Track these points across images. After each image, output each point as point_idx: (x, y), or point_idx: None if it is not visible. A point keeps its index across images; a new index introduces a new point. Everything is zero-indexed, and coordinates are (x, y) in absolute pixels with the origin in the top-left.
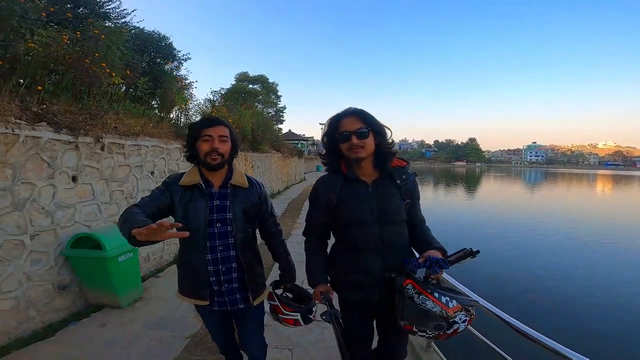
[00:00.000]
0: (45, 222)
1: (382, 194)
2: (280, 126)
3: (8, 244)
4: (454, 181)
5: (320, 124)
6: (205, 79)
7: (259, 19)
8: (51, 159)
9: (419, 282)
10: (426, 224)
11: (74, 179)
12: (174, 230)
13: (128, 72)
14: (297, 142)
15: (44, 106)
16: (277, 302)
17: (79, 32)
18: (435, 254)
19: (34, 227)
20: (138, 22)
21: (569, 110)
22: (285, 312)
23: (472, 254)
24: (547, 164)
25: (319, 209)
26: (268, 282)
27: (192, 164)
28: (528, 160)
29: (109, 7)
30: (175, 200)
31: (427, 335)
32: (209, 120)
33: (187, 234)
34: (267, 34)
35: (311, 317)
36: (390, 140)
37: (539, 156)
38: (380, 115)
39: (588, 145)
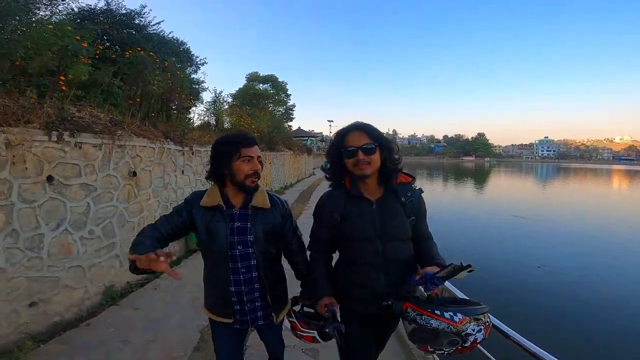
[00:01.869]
0: (173, 196)
1: (386, 212)
2: (290, 123)
3: (164, 208)
4: (462, 176)
5: (329, 120)
6: (210, 78)
7: (264, 16)
8: (175, 160)
9: (416, 303)
10: (432, 239)
11: (182, 172)
12: (167, 262)
13: (191, 97)
14: (306, 138)
15: (146, 125)
16: (293, 319)
17: (169, 74)
18: (432, 269)
19: (170, 199)
20: (156, 27)
21: (585, 104)
22: (302, 329)
23: (462, 268)
24: (559, 158)
25: (322, 225)
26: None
27: (212, 183)
28: (540, 155)
29: (152, 29)
30: (197, 222)
31: (446, 352)
32: (248, 140)
33: (179, 277)
34: (273, 30)
35: (329, 332)
36: (397, 157)
37: (550, 151)
38: (389, 111)
39: (605, 139)
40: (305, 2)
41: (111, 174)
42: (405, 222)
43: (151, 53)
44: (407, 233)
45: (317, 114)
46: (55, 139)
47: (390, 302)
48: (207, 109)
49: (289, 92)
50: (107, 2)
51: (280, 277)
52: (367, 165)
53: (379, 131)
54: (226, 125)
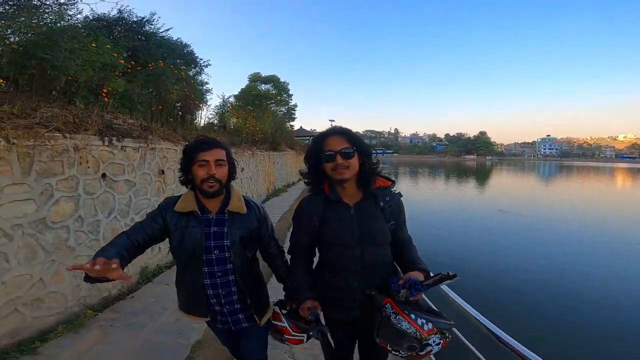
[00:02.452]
0: None
1: (365, 217)
2: (291, 123)
3: None
4: (463, 175)
5: (330, 120)
6: (212, 78)
7: (264, 15)
8: None
9: (397, 302)
10: (412, 242)
11: None
12: (119, 268)
13: (201, 102)
14: (308, 138)
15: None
16: (284, 324)
17: (184, 82)
18: (416, 275)
19: None
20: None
21: (589, 102)
22: (293, 333)
23: (448, 277)
24: (561, 156)
25: (302, 230)
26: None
27: (187, 188)
28: (542, 153)
29: (162, 35)
30: (171, 227)
31: (400, 355)
32: (204, 143)
33: (132, 280)
34: (274, 29)
35: (313, 334)
36: (375, 161)
37: (553, 149)
38: (391, 109)
39: (608, 137)
40: (306, 0)
41: (146, 172)
42: (384, 227)
43: (171, 66)
44: (386, 238)
45: (318, 113)
46: (107, 144)
47: (373, 293)
48: (216, 113)
49: (290, 93)
50: (119, 10)
51: (258, 280)
52: (345, 169)
53: (357, 136)
54: (232, 127)
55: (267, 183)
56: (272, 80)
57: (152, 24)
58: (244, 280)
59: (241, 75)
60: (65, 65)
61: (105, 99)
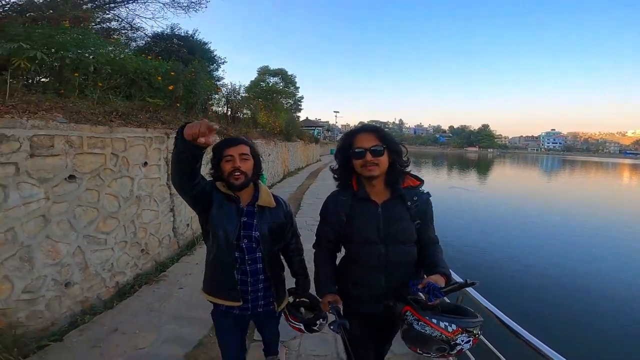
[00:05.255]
0: None
1: (391, 216)
2: (298, 114)
3: None
4: (462, 169)
5: (335, 111)
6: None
7: (266, 5)
8: None
9: (417, 308)
10: (438, 243)
11: None
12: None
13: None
14: (314, 128)
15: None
16: (286, 311)
17: (237, 93)
18: (436, 279)
19: None
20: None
21: (599, 97)
22: (291, 321)
23: (467, 285)
24: (564, 151)
25: (328, 225)
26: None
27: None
28: (545, 147)
29: (196, 38)
30: (214, 199)
31: (431, 356)
32: (229, 140)
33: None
34: (277, 18)
35: (315, 328)
36: (405, 159)
37: (556, 143)
38: (397, 100)
39: (617, 133)
40: None
41: None
42: (409, 226)
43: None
44: (412, 237)
45: (322, 101)
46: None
47: (391, 303)
48: (248, 115)
49: (297, 85)
50: (171, 28)
51: (281, 267)
52: (375, 166)
53: (388, 134)
54: (259, 121)
55: (283, 167)
56: (280, 73)
57: (194, 38)
58: (272, 269)
59: (246, 67)
60: (202, 96)
61: (210, 112)
